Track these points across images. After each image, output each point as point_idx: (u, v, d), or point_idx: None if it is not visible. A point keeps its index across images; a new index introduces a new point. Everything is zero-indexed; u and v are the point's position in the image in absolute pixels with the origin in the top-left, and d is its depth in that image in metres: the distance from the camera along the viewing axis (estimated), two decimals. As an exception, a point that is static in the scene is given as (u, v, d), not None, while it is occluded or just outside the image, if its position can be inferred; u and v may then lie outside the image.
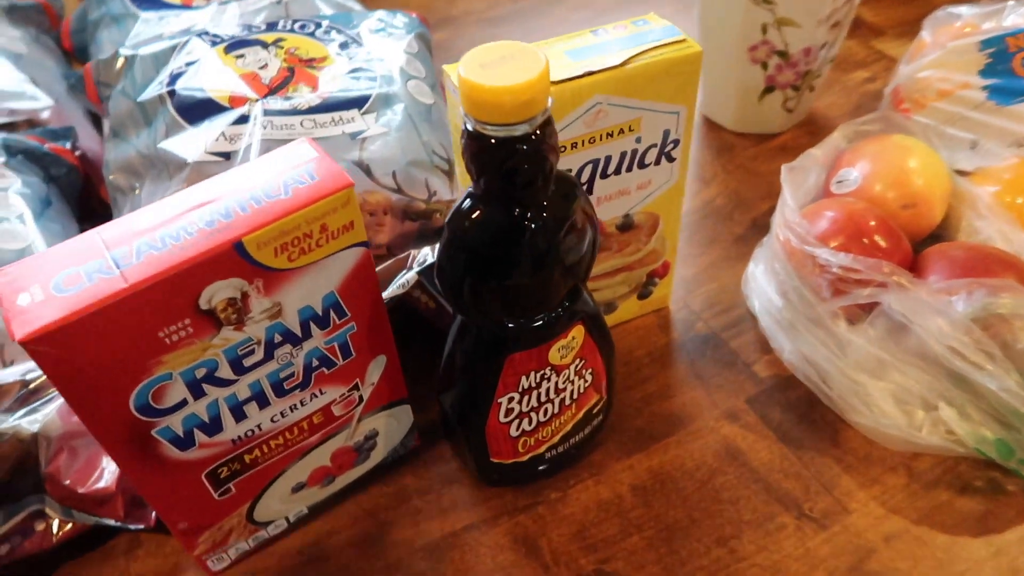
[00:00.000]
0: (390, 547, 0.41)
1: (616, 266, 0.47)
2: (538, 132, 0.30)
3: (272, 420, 0.37)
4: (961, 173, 0.53)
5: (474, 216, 0.33)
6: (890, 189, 0.50)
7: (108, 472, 0.40)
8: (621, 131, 0.40)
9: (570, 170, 0.41)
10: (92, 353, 0.29)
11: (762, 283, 0.49)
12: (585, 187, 0.42)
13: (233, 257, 0.30)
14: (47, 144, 0.53)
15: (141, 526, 0.41)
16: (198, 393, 0.33)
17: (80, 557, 0.41)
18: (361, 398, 0.40)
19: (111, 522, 0.40)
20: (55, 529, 0.40)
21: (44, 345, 0.28)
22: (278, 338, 0.34)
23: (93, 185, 0.57)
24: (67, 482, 0.39)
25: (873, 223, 0.47)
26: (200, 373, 0.32)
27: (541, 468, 0.43)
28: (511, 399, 0.38)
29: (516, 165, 0.30)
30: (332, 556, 0.41)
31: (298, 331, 0.35)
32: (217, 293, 0.31)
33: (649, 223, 0.46)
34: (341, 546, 0.41)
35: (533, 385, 0.38)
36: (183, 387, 0.32)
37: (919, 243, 0.50)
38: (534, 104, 0.29)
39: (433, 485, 0.44)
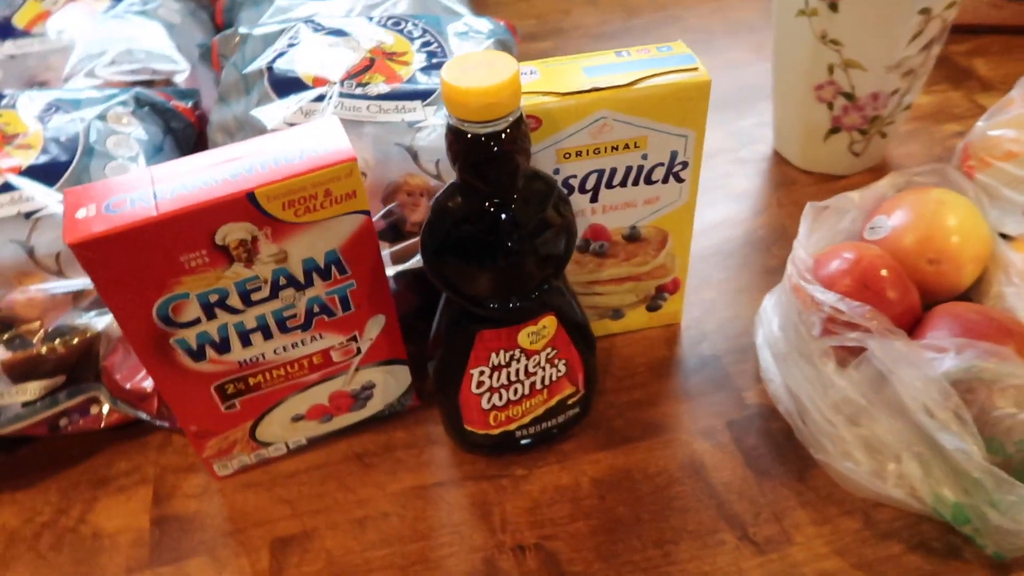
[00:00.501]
0: (366, 486, 0.47)
1: (622, 274, 0.50)
2: (506, 132, 0.34)
3: (275, 352, 0.43)
4: (1006, 237, 0.51)
5: (449, 202, 0.37)
6: (917, 242, 0.49)
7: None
8: (626, 146, 0.43)
9: (574, 176, 0.44)
10: (123, 263, 0.36)
11: (769, 314, 0.50)
12: (591, 194, 0.45)
13: (245, 205, 0.37)
14: (172, 101, 0.63)
15: (167, 424, 0.48)
16: (210, 315, 0.40)
17: (121, 443, 0.50)
18: (359, 350, 0.45)
19: (145, 416, 0.48)
20: (104, 414, 0.48)
21: (86, 250, 0.35)
22: (283, 280, 0.40)
23: (204, 142, 0.66)
24: (117, 376, 0.47)
25: (885, 272, 0.47)
26: (213, 298, 0.39)
27: (512, 444, 0.47)
28: (482, 372, 0.42)
29: (483, 159, 0.35)
30: (316, 483, 0.47)
31: (301, 278, 0.40)
32: (230, 233, 0.37)
33: (658, 238, 0.49)
34: (325, 477, 0.47)
35: (503, 363, 0.42)
36: (197, 307, 0.39)
37: (944, 300, 0.49)
38: (499, 106, 0.33)
39: (419, 442, 0.49)
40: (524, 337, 0.41)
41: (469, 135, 0.34)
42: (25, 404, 0.47)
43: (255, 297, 0.40)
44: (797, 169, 0.66)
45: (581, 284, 0.50)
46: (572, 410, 0.47)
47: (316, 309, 0.42)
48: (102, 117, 0.56)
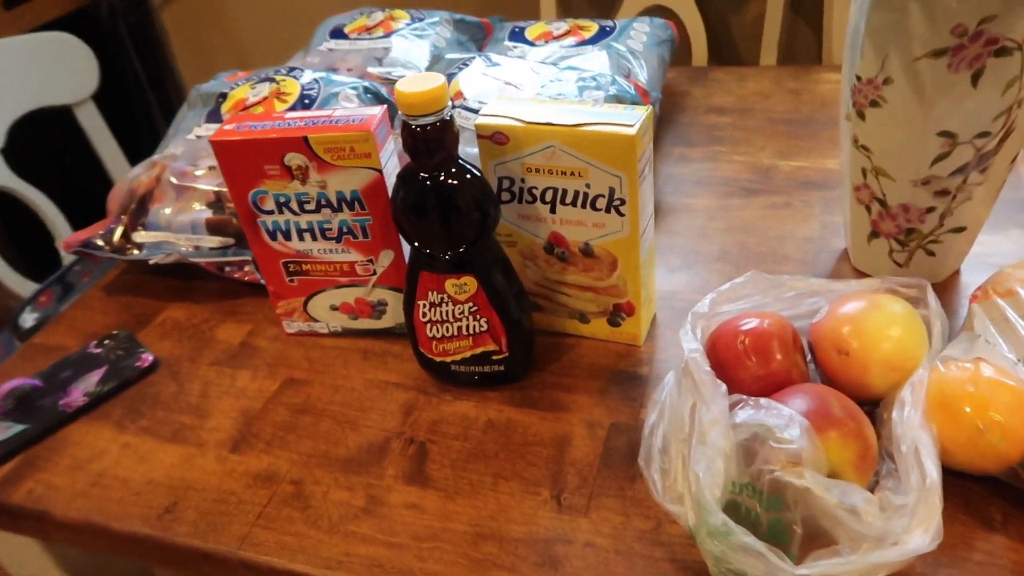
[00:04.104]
0: (356, 370, 0.65)
1: (583, 283, 0.61)
2: (431, 126, 0.50)
3: (319, 252, 0.64)
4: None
5: (404, 174, 0.54)
6: (832, 331, 0.53)
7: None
8: (572, 173, 0.56)
9: (535, 187, 0.58)
10: (233, 160, 0.60)
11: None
12: (550, 206, 0.58)
13: (301, 144, 0.58)
14: (387, 88, 0.88)
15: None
16: (280, 210, 0.62)
17: (254, 295, 0.75)
18: (375, 271, 0.64)
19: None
20: (249, 271, 0.74)
21: (214, 146, 0.59)
22: (324, 201, 0.61)
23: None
24: (255, 247, 0.73)
25: (775, 343, 0.52)
26: (281, 199, 0.61)
27: (449, 374, 0.62)
28: (424, 305, 0.59)
29: (415, 143, 0.51)
30: (332, 357, 0.67)
31: (335, 203, 0.61)
32: (292, 159, 0.59)
33: (609, 260, 0.59)
34: (338, 356, 0.67)
35: (437, 302, 0.58)
36: (272, 202, 0.62)
37: (856, 393, 0.52)
38: (421, 107, 0.50)
39: (403, 355, 0.66)
40: (450, 286, 0.57)
41: (409, 125, 0.51)
42: (211, 249, 0.75)
43: (307, 207, 0.61)
44: (852, 267, 0.69)
45: (550, 282, 0.63)
46: (497, 366, 0.60)
47: (345, 229, 0.62)
48: (335, 94, 0.83)
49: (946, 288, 0.65)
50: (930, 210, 0.60)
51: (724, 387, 0.48)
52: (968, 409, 0.47)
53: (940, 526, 0.41)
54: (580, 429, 0.57)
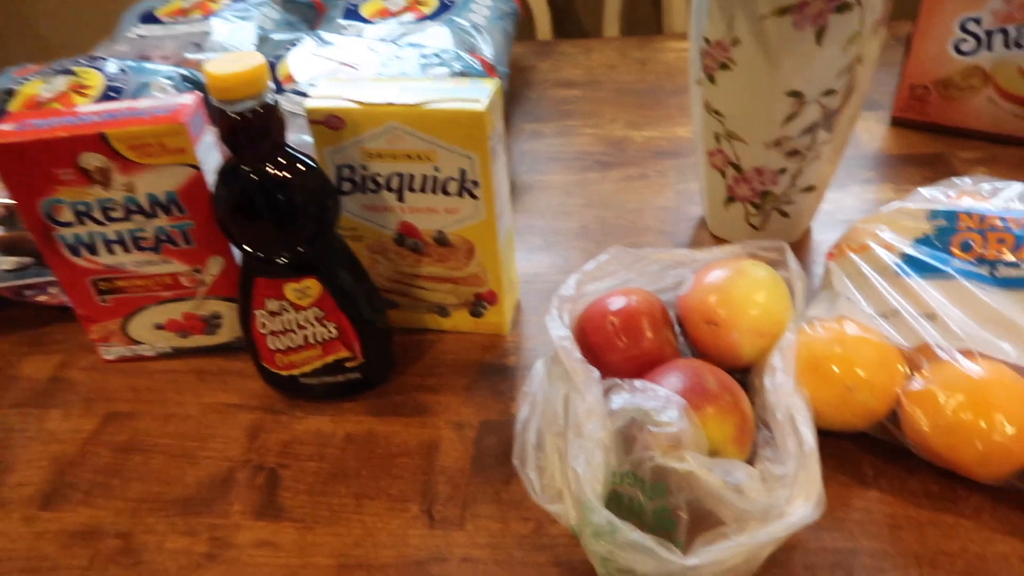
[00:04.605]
0: (190, 394, 0.58)
1: (439, 274, 0.57)
2: (251, 113, 0.44)
3: (134, 265, 0.55)
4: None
5: (224, 168, 0.47)
6: (700, 302, 0.51)
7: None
8: (419, 156, 0.51)
9: (379, 174, 0.53)
10: (15, 166, 0.50)
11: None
12: (397, 194, 0.53)
13: (98, 141, 0.50)
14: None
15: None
16: (80, 221, 0.53)
17: (63, 320, 0.65)
18: (203, 281, 0.57)
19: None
20: (56, 295, 0.64)
21: (-11, 150, 0.50)
22: (133, 207, 0.53)
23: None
24: (60, 265, 0.63)
25: (645, 320, 0.50)
26: (80, 208, 0.53)
27: (299, 388, 0.55)
28: (263, 315, 0.52)
29: (230, 132, 0.45)
30: (161, 382, 0.59)
31: (147, 208, 0.53)
32: (89, 160, 0.50)
33: (465, 247, 0.55)
34: (169, 380, 0.59)
35: (276, 311, 0.51)
36: (70, 212, 0.53)
37: (728, 364, 0.50)
38: (236, 90, 0.43)
39: (246, 372, 0.59)
40: (290, 292, 0.50)
41: (224, 112, 0.44)
42: (6, 271, 0.64)
43: (113, 215, 0.53)
44: (710, 234, 0.68)
45: (404, 275, 0.58)
46: (352, 374, 0.55)
47: (163, 237, 0.54)
48: (146, 85, 0.73)
49: (799, 248, 0.65)
50: (782, 171, 0.59)
51: (597, 373, 0.45)
52: (836, 369, 0.46)
53: (822, 493, 0.40)
54: (448, 432, 0.53)
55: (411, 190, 0.53)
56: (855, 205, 0.69)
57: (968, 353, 0.45)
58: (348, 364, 0.54)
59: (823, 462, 0.43)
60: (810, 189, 0.61)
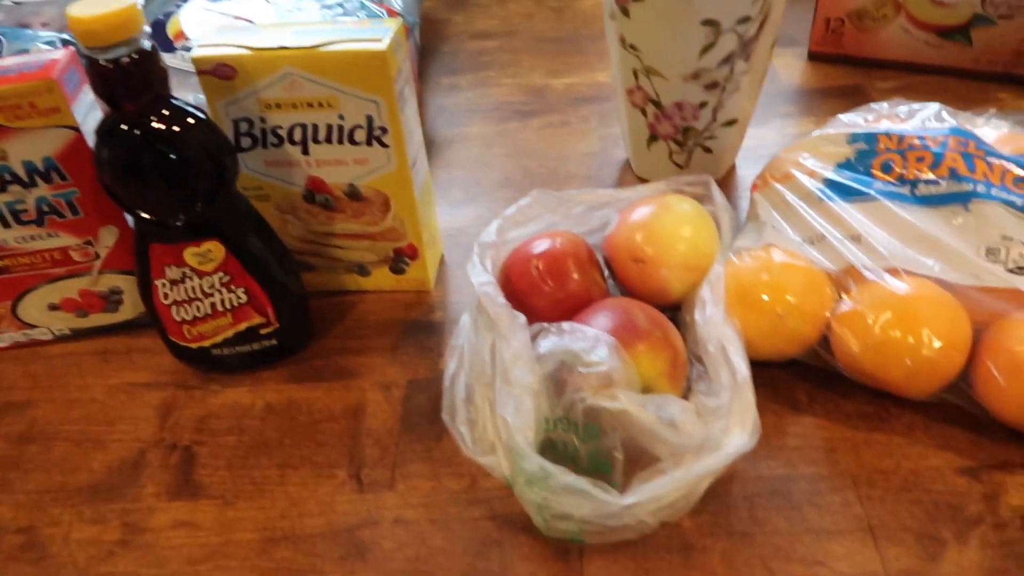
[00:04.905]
0: (94, 376, 0.53)
1: (355, 231, 0.54)
2: (126, 60, 0.40)
3: (16, 240, 0.51)
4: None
5: (104, 124, 0.43)
6: (626, 240, 0.49)
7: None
8: (321, 104, 0.48)
9: (280, 127, 0.49)
10: None
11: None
12: (301, 147, 0.50)
13: (-40, 103, 0.45)
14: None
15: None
16: (-51, 194, 0.48)
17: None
18: (97, 255, 0.52)
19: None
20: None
21: None
22: (7, 176, 0.48)
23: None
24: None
25: (570, 262, 0.48)
26: (-52, 179, 0.48)
27: (212, 360, 0.52)
28: (163, 284, 0.48)
29: (109, 84, 0.41)
30: (61, 367, 0.54)
31: (24, 176, 0.48)
32: (-48, 125, 0.46)
33: (379, 200, 0.52)
34: (70, 364, 0.55)
35: (178, 279, 0.48)
36: (-63, 185, 0.48)
37: (661, 306, 0.49)
38: (105, 35, 0.39)
39: (154, 349, 0.55)
40: (191, 257, 0.47)
41: (95, 61, 0.40)
42: None
43: (-14, 187, 0.48)
44: (635, 176, 0.67)
45: (318, 235, 0.54)
46: (268, 341, 0.51)
47: (45, 208, 0.50)
48: (25, 52, 0.68)
49: (725, 185, 0.65)
50: (703, 105, 0.58)
51: (523, 318, 0.44)
52: (766, 297, 0.45)
53: (757, 421, 0.39)
54: (374, 394, 0.50)
55: (316, 141, 0.50)
56: (777, 139, 0.69)
57: (894, 272, 0.44)
58: (262, 331, 0.51)
59: (757, 392, 0.42)
60: (732, 123, 0.60)
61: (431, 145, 0.73)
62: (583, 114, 0.75)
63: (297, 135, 0.49)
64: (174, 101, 0.43)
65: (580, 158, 0.69)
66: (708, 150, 0.61)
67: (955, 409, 0.44)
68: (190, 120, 0.43)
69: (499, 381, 0.41)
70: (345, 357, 0.53)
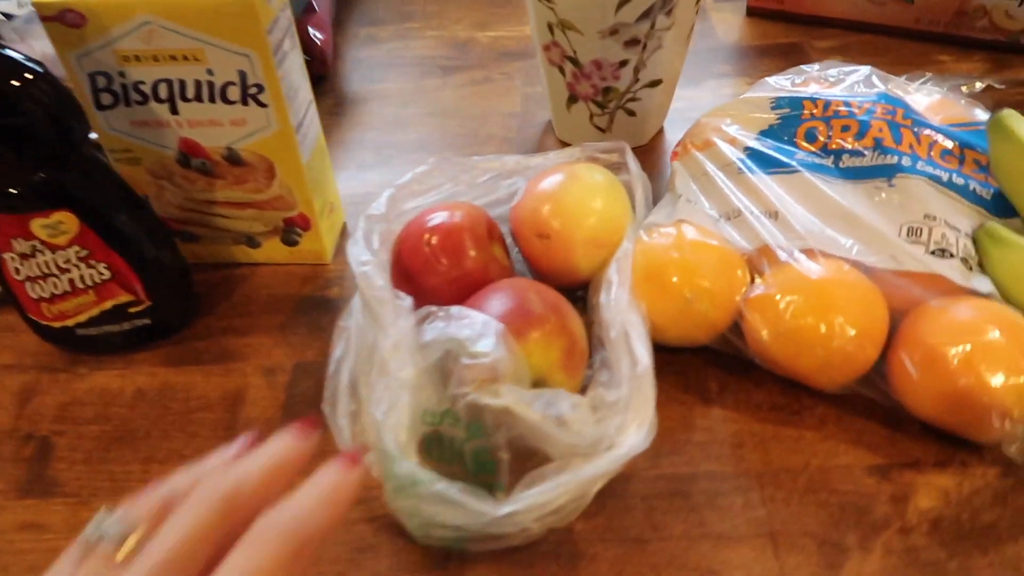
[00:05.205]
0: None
1: (238, 198, 0.49)
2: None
3: None
4: (649, 228, 0.46)
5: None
6: (531, 214, 0.45)
7: None
8: (186, 57, 0.42)
9: (142, 82, 0.44)
10: None
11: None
12: (168, 105, 0.45)
13: None
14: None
15: None
16: None
17: None
18: (-54, 222, 0.47)
19: None
20: None
21: None
22: None
23: None
24: None
25: (467, 237, 0.44)
26: None
27: (76, 341, 0.47)
28: (13, 259, 0.43)
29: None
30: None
31: None
32: None
33: (263, 165, 0.47)
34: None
35: (28, 253, 0.43)
36: None
37: (571, 286, 0.46)
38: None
39: (17, 326, 0.49)
40: (39, 228, 0.42)
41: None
42: None
43: None
44: (558, 139, 0.62)
45: (198, 203, 0.50)
46: (139, 320, 0.47)
47: None
48: None
49: (651, 150, 0.61)
50: (623, 64, 0.54)
51: (408, 302, 0.40)
52: (675, 279, 0.42)
53: (654, 418, 0.36)
54: (256, 379, 0.46)
55: (185, 99, 0.44)
56: (711, 101, 0.65)
57: (809, 252, 0.41)
58: (132, 309, 0.46)
59: (667, 380, 0.39)
60: (656, 83, 0.56)
61: (344, 102, 0.68)
62: (507, 71, 0.70)
63: (163, 92, 0.44)
64: (5, 52, 0.38)
65: (502, 119, 0.65)
66: (631, 113, 0.57)
67: (871, 402, 0.41)
68: (25, 74, 0.38)
69: (374, 373, 0.37)
70: (229, 337, 0.49)
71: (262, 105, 0.44)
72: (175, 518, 0.23)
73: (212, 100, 0.44)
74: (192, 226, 0.51)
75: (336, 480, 0.25)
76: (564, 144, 0.61)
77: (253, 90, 0.44)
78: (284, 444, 0.26)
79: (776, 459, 0.40)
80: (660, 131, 0.62)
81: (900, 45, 0.68)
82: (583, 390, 0.40)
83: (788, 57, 0.69)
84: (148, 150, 0.47)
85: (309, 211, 0.50)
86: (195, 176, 0.48)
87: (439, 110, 0.66)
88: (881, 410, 0.41)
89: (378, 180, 0.60)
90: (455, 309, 0.39)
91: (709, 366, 0.45)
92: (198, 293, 0.51)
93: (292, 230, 0.51)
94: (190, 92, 0.44)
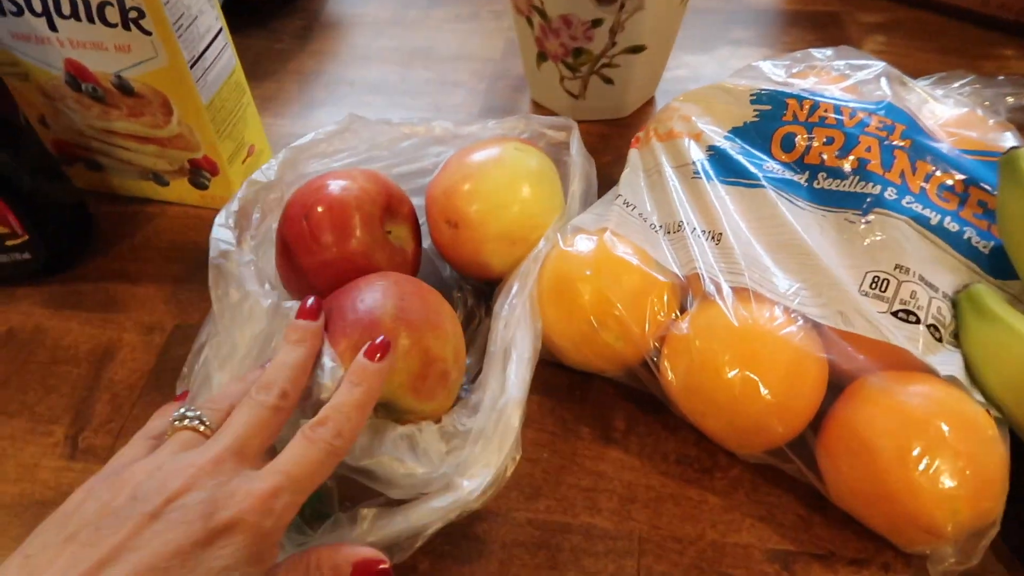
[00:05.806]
0: None
1: (137, 132, 0.44)
2: None
3: None
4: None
5: None
6: (444, 197, 0.39)
7: None
8: (55, -34, 0.37)
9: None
10: None
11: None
12: (45, 19, 0.39)
13: None
14: None
15: None
16: None
17: None
18: None
19: None
20: None
21: None
22: None
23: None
24: None
25: (355, 215, 0.38)
26: None
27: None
28: None
29: None
30: None
31: None
32: None
33: (158, 100, 0.42)
34: None
35: None
36: None
37: (477, 275, 0.40)
38: None
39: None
40: None
41: None
42: None
43: None
44: (533, 102, 0.55)
45: (97, 130, 0.45)
46: (16, 254, 0.43)
47: None
48: None
49: (634, 127, 0.53)
50: (596, 23, 0.46)
51: (268, 303, 0.34)
52: (583, 299, 0.36)
53: (503, 466, 0.31)
54: (132, 335, 0.42)
55: (61, 15, 0.39)
56: (715, 72, 0.56)
57: (742, 292, 0.34)
58: (9, 243, 0.43)
59: (565, 407, 0.35)
60: (638, 49, 0.48)
61: (313, 25, 0.61)
62: (497, 8, 0.62)
63: (36, 3, 0.39)
64: None
65: (476, 65, 0.58)
66: (608, 80, 0.50)
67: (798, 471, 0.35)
68: None
69: (197, 385, 0.33)
70: (117, 284, 0.45)
71: (145, 32, 0.39)
72: (239, 413, 0.28)
73: (91, 20, 0.39)
74: (95, 154, 0.47)
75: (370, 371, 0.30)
76: (538, 106, 0.54)
77: (133, 14, 0.38)
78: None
79: (667, 523, 0.35)
80: (651, 102, 0.55)
81: (959, 29, 0.58)
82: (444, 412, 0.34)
83: (822, 30, 0.59)
84: (35, 68, 0.42)
85: (214, 154, 0.45)
86: (89, 102, 0.43)
87: (412, 47, 0.59)
88: (804, 485, 0.34)
89: (323, 121, 0.54)
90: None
91: (621, 399, 0.39)
92: (98, 229, 0.47)
93: (199, 172, 0.46)
94: (65, 7, 0.39)
